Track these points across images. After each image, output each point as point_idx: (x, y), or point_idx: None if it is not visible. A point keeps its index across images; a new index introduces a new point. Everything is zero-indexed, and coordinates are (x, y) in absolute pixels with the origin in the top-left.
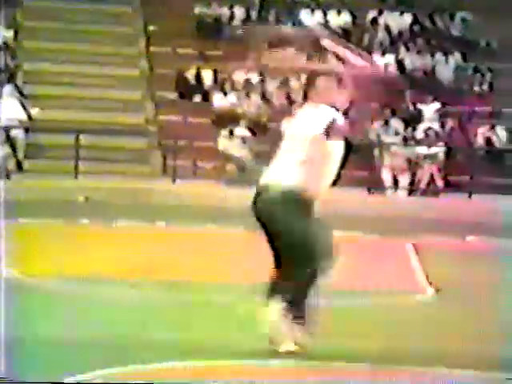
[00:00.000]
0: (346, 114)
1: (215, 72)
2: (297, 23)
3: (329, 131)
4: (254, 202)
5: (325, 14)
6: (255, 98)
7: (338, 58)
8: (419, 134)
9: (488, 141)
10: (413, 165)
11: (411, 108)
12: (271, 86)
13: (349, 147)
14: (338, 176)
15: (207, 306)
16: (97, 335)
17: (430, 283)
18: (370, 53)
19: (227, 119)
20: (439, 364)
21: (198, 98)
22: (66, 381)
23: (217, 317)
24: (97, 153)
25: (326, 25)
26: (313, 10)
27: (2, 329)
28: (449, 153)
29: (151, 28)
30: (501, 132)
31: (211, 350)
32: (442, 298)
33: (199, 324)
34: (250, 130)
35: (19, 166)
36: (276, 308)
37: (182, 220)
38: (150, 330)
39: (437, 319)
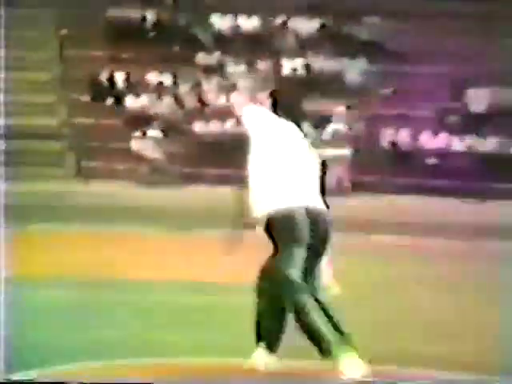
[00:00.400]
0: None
1: (127, 74)
2: (208, 27)
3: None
4: (312, 229)
5: (235, 19)
6: (168, 100)
7: None
8: (326, 135)
9: (393, 143)
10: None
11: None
12: (183, 88)
13: None
14: None
15: (123, 304)
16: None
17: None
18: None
19: (140, 121)
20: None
21: (110, 101)
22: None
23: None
24: (11, 156)
25: (236, 29)
26: (223, 15)
27: (1, 329)
28: (356, 154)
29: (63, 32)
30: (405, 133)
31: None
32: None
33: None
34: (163, 131)
35: None
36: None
37: (96, 221)
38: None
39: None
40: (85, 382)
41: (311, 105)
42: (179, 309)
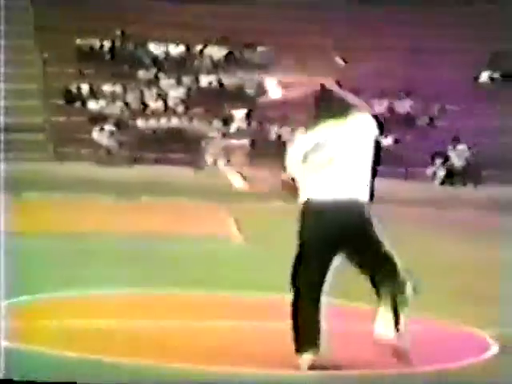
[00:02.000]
0: None
1: (90, 85)
2: (147, 52)
3: None
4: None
5: (167, 46)
6: (119, 103)
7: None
8: (232, 130)
9: (279, 136)
10: (227, 151)
11: (227, 112)
12: (130, 95)
13: None
14: None
15: (95, 249)
16: None
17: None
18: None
19: (99, 119)
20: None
21: (78, 104)
22: None
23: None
24: (9, 145)
25: (168, 53)
26: (159, 43)
27: (1, 329)
28: (253, 144)
29: (45, 55)
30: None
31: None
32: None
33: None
34: (116, 126)
35: None
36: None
37: (69, 191)
38: None
39: (246, 259)
40: (84, 381)
41: (221, 108)
42: (129, 251)
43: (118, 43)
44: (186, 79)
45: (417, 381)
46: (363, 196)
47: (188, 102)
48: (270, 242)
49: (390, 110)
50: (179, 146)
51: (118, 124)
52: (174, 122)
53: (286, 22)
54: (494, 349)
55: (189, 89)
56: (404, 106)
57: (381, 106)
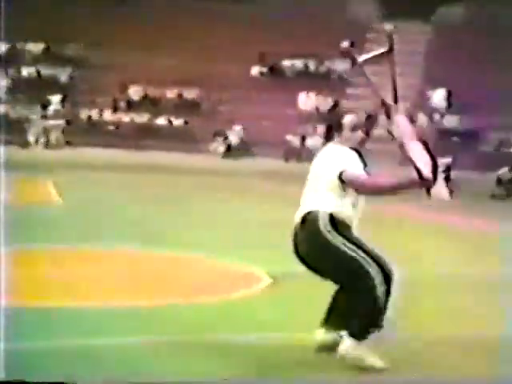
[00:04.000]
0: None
1: None
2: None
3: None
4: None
5: None
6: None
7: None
8: (50, 112)
9: (89, 117)
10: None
11: (45, 98)
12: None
13: None
14: None
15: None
16: None
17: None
18: None
19: None
20: None
21: None
22: None
23: None
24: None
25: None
26: None
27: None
28: (68, 123)
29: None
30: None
31: None
32: None
33: None
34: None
35: None
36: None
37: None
38: None
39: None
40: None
41: (40, 95)
42: None
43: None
44: (11, 71)
45: None
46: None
47: (12, 90)
48: (86, 203)
49: (180, 96)
50: (6, 129)
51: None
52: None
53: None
54: (267, 281)
55: (12, 79)
56: (191, 93)
57: (172, 93)
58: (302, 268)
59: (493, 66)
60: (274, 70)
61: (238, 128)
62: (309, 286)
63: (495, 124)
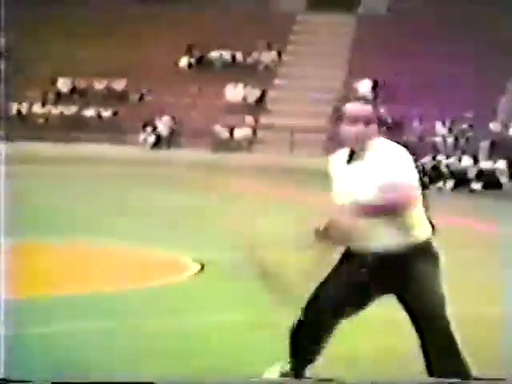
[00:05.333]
0: None
1: None
2: None
3: None
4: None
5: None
6: None
7: None
8: None
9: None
10: None
11: None
12: None
13: None
14: None
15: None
16: None
17: None
18: None
19: None
20: None
21: None
22: None
23: None
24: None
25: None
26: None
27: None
28: None
29: None
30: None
31: None
32: None
33: None
34: None
35: None
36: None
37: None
38: None
39: None
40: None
41: None
42: None
43: None
44: None
45: None
46: None
47: None
48: (13, 197)
49: (109, 87)
50: None
51: None
52: None
53: None
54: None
55: None
56: (120, 85)
57: (100, 84)
58: (226, 254)
59: (416, 57)
60: (202, 62)
61: (166, 119)
62: (234, 272)
63: (419, 113)
